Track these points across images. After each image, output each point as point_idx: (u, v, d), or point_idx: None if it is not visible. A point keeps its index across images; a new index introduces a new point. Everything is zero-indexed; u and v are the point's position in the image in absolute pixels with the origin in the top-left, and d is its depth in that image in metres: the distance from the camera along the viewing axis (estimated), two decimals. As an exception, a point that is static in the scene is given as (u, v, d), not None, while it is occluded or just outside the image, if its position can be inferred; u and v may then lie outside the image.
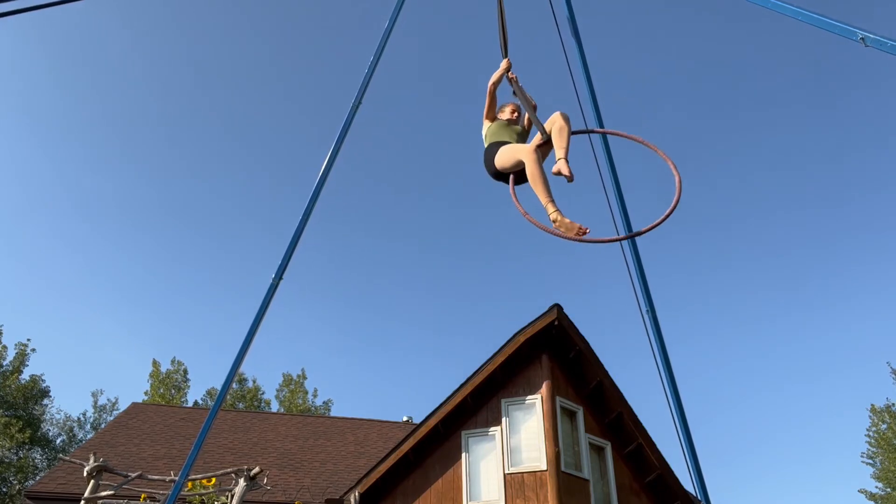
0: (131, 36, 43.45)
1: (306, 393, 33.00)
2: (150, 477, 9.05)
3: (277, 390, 33.44)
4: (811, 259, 45.25)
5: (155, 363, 30.86)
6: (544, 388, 12.05)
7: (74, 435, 31.76)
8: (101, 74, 44.27)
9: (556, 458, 11.28)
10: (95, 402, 33.04)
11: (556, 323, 12.24)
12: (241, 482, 8.14)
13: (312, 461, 15.32)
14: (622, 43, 40.23)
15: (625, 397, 12.81)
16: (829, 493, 41.89)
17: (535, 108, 4.96)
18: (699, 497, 5.81)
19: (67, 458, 11.63)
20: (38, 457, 29.09)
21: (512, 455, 11.76)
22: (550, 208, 4.12)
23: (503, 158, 4.56)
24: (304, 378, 33.60)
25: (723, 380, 47.51)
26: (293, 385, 33.31)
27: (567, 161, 4.25)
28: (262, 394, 32.96)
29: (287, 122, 48.15)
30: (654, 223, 4.02)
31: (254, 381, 33.07)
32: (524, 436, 11.92)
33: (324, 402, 33.29)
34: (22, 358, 29.07)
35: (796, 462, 42.69)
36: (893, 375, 26.72)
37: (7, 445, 26.58)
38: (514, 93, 5.05)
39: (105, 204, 47.27)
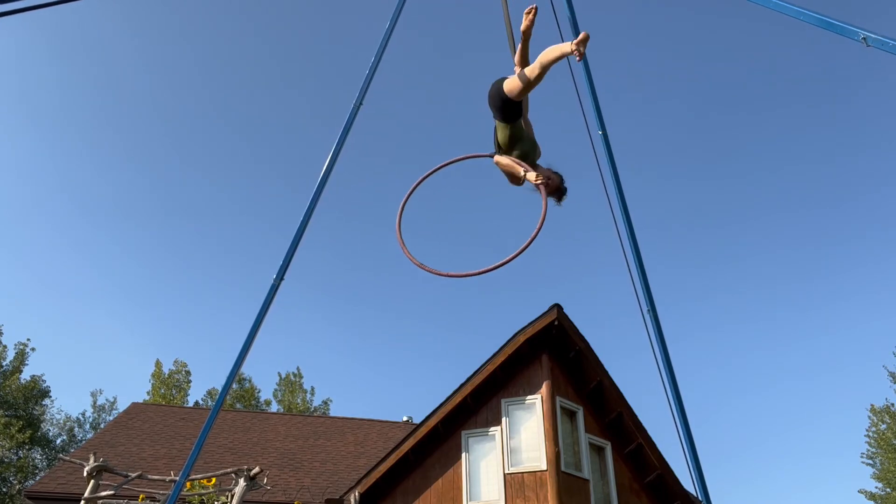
0: (133, 34, 43.47)
1: (306, 393, 33.01)
2: (150, 477, 9.04)
3: (275, 391, 33.47)
4: (811, 258, 45.26)
5: (157, 363, 30.88)
6: (544, 388, 12.05)
7: (74, 435, 31.79)
8: (103, 73, 44.29)
9: (556, 458, 11.29)
10: (94, 402, 33.11)
11: (556, 323, 12.25)
12: (241, 482, 8.14)
13: (312, 461, 15.32)
14: (623, 43, 40.22)
15: (625, 397, 12.83)
16: (829, 493, 41.94)
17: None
18: (699, 497, 5.81)
19: (67, 458, 11.62)
20: (38, 457, 29.12)
21: (512, 455, 11.76)
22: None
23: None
24: (301, 377, 33.59)
25: (723, 380, 47.54)
26: (291, 385, 33.30)
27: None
28: (259, 392, 32.99)
29: (289, 121, 48.17)
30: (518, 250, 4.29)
31: (250, 381, 33.08)
32: (524, 436, 11.92)
33: (323, 402, 33.31)
34: (22, 358, 29.11)
35: (796, 462, 42.73)
36: (891, 378, 26.75)
37: (7, 445, 26.59)
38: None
39: (106, 203, 47.30)
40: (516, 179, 4.76)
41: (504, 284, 49.29)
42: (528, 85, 4.52)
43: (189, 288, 48.67)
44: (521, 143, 4.79)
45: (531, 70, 4.46)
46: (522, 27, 4.86)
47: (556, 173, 4.79)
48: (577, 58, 4.22)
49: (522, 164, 4.65)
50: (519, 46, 4.94)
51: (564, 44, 4.31)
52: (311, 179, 5.95)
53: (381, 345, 48.47)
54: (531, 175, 4.52)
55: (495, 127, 4.88)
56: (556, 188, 4.73)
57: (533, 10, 4.82)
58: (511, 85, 4.60)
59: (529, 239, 4.26)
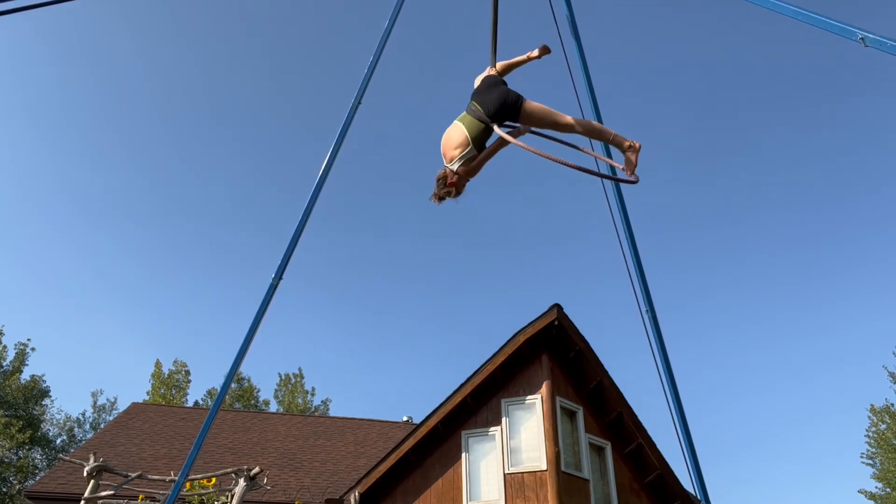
0: (133, 34, 43.49)
1: (307, 393, 33.00)
2: (150, 477, 9.05)
3: (276, 390, 33.47)
4: (811, 259, 45.27)
5: (157, 363, 30.88)
6: (544, 388, 12.05)
7: (74, 435, 31.79)
8: (103, 73, 44.31)
9: (556, 458, 11.29)
10: (95, 402, 33.11)
11: (556, 323, 12.25)
12: (241, 482, 8.15)
13: (312, 461, 15.32)
14: (622, 43, 40.25)
15: (625, 397, 12.83)
16: (829, 493, 41.95)
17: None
18: (699, 497, 5.82)
19: (67, 458, 11.63)
20: (38, 457, 29.11)
21: (512, 455, 11.76)
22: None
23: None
24: (302, 378, 33.59)
25: (723, 380, 47.55)
26: (291, 385, 33.29)
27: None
28: (259, 392, 32.99)
29: (288, 121, 48.21)
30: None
31: (248, 381, 33.07)
32: (524, 436, 11.92)
33: (322, 402, 33.31)
34: (22, 358, 29.12)
35: (796, 462, 42.73)
36: (891, 378, 26.74)
37: (7, 445, 26.59)
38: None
39: (106, 203, 47.31)
40: (476, 168, 4.61)
41: (504, 284, 49.31)
42: (549, 126, 4.44)
43: (189, 288, 48.72)
44: (481, 144, 4.57)
45: (569, 123, 4.34)
46: (531, 55, 5.04)
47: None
48: (630, 173, 4.35)
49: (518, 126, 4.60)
50: (511, 62, 5.09)
51: (621, 137, 4.32)
52: (311, 179, 5.96)
53: (381, 345, 48.52)
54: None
55: (472, 108, 4.60)
56: (458, 189, 4.59)
57: (548, 52, 5.18)
58: (534, 111, 4.41)
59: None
